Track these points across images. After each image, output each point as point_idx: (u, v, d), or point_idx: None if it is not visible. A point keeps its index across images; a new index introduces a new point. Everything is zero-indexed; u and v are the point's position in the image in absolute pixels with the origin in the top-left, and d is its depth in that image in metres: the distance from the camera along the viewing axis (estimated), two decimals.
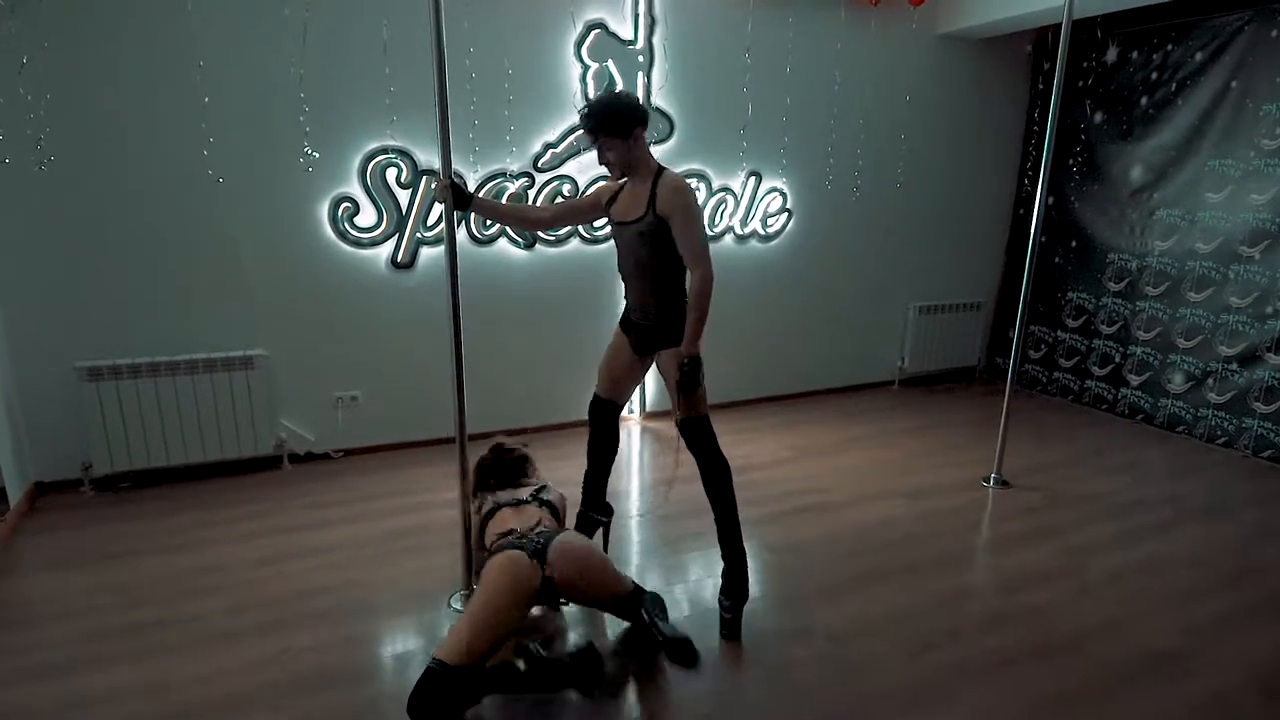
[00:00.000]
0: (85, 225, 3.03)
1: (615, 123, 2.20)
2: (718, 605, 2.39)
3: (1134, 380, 4.41)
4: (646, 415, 4.33)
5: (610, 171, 2.32)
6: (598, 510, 2.67)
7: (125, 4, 2.89)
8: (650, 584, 2.55)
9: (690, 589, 2.58)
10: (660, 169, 2.27)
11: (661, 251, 2.25)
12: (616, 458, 2.68)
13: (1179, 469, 3.77)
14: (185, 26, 2.96)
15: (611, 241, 2.70)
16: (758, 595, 2.52)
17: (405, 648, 2.24)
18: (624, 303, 2.50)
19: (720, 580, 2.42)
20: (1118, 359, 4.49)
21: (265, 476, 3.44)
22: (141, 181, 3.06)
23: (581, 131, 2.35)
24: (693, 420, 2.28)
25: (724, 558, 2.39)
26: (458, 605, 2.41)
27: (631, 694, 2.08)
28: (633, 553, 2.82)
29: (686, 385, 2.22)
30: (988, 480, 3.50)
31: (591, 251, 3.92)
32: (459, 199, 2.29)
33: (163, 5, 2.93)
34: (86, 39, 2.87)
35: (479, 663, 1.89)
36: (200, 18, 2.97)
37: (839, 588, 2.59)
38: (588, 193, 2.63)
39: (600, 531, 2.68)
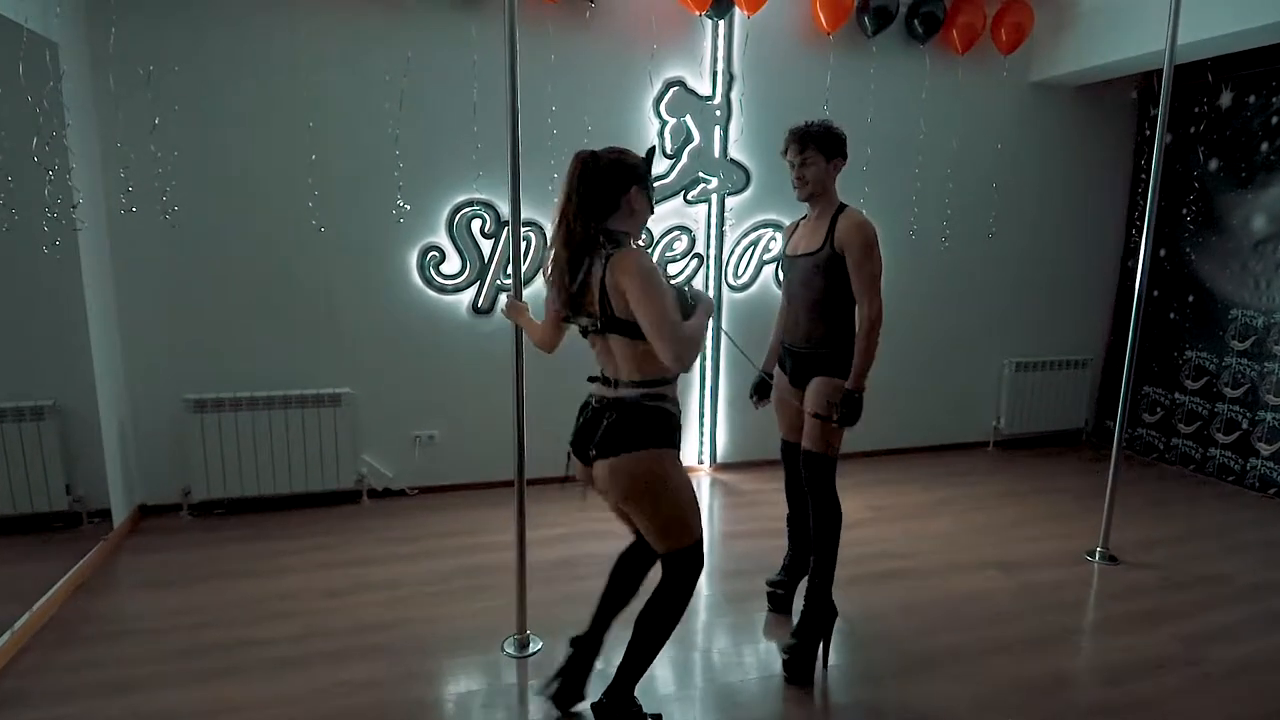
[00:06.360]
0: (199, 269, 3.30)
1: (827, 141, 2.26)
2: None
3: (1264, 450, 3.95)
4: (717, 467, 4.23)
5: (799, 189, 2.31)
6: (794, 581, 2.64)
7: (244, 73, 3.21)
8: (718, 644, 2.47)
9: (759, 652, 2.45)
10: (843, 205, 2.29)
11: (834, 284, 2.27)
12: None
13: None
14: (298, 93, 3.25)
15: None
16: (830, 664, 2.35)
17: (455, 689, 2.22)
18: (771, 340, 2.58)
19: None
20: (1245, 425, 4.05)
21: (345, 510, 3.56)
22: (250, 231, 3.33)
23: (789, 143, 2.31)
24: (820, 457, 2.27)
25: (806, 598, 2.32)
26: (510, 650, 2.38)
27: None
28: (700, 607, 2.71)
29: (847, 417, 2.22)
30: (1092, 555, 3.19)
31: None
32: (762, 391, 2.59)
33: (278, 73, 3.24)
34: (209, 104, 3.19)
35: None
36: (313, 85, 3.26)
37: (919, 665, 2.38)
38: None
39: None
